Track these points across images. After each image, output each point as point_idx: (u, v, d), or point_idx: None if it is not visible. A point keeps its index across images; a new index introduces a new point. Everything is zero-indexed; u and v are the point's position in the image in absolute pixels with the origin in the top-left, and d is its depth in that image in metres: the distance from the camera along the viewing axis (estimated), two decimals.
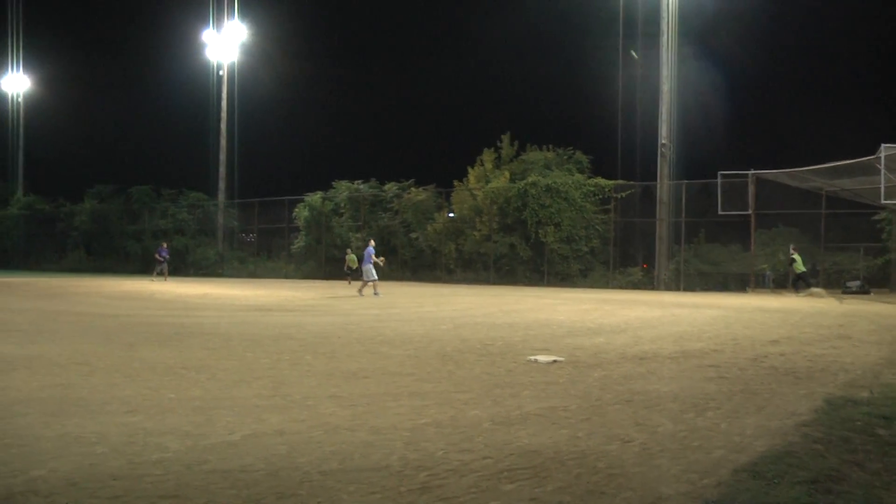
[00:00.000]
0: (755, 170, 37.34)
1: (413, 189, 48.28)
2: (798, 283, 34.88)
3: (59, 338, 13.92)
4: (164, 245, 43.10)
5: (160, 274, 41.15)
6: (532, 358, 11.56)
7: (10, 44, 68.06)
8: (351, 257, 39.10)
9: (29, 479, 5.58)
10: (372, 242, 29.51)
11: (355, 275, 35.88)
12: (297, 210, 50.93)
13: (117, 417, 7.48)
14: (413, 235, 47.15)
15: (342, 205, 49.73)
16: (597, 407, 8.15)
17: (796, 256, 35.23)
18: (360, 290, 28.45)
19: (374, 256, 27.97)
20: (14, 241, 65.58)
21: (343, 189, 49.93)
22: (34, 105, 71.57)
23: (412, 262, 47.26)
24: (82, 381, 9.41)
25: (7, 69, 69.45)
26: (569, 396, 8.68)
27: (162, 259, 41.29)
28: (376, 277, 28.06)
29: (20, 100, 70.06)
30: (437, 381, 9.74)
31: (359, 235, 46.79)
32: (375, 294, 27.64)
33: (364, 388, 9.12)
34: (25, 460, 6.05)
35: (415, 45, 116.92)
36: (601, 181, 42.93)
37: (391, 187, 49.03)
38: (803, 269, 35.13)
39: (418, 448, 6.45)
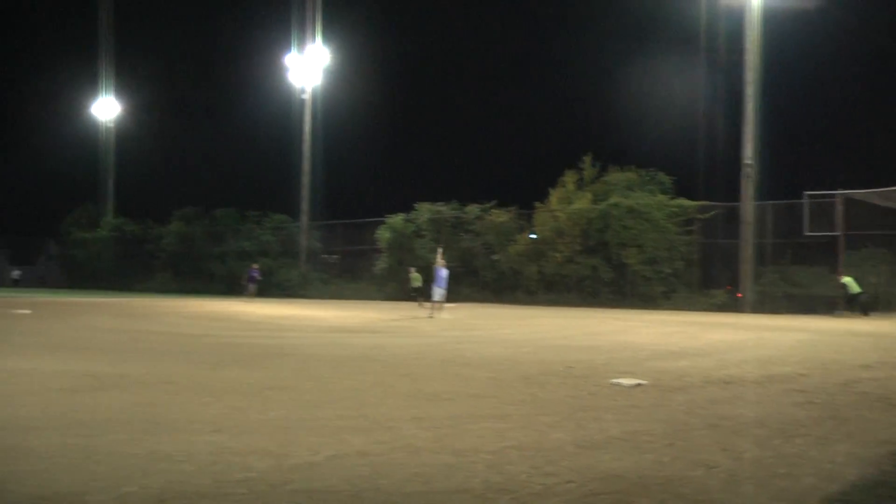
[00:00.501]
0: (843, 189, 36.43)
1: (494, 211, 48.23)
2: (852, 305, 34.58)
3: (147, 357, 14.20)
4: (256, 266, 43.54)
5: (250, 294, 41.58)
6: (615, 381, 11.41)
7: (101, 70, 70.10)
8: (415, 276, 39.19)
9: (120, 496, 5.68)
10: (442, 262, 28.65)
11: (422, 295, 35.71)
12: (379, 232, 51.27)
13: (203, 436, 7.58)
14: (494, 257, 47.06)
15: (424, 226, 49.93)
16: (681, 431, 8.00)
17: (846, 279, 35.14)
18: (429, 312, 28.23)
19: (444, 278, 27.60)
20: (105, 263, 67.27)
21: (424, 211, 50.13)
22: (124, 130, 73.55)
23: (493, 283, 47.16)
24: (169, 400, 9.58)
25: (99, 95, 71.44)
26: (653, 421, 8.55)
27: (252, 280, 41.65)
28: (440, 299, 27.74)
29: (111, 125, 72.00)
30: (519, 403, 9.67)
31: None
32: (430, 317, 27.41)
33: (446, 411, 9.10)
34: (117, 477, 6.16)
35: (496, 67, 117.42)
36: (684, 202, 42.38)
37: (472, 209, 49.04)
38: (858, 290, 34.77)
39: (501, 471, 6.40)
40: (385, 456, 6.88)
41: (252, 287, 41.53)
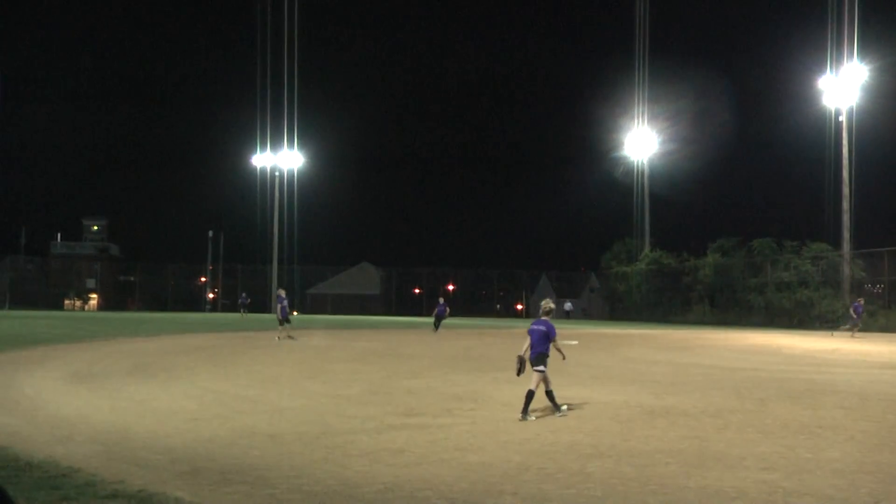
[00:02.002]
0: None
1: None
2: None
3: (693, 390, 14.43)
4: (861, 301, 41.73)
5: (850, 329, 39.81)
6: None
7: (637, 106, 72.90)
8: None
9: None
10: None
11: None
12: None
13: (754, 474, 7.55)
14: None
15: None
16: None
17: None
18: None
19: None
20: (643, 295, 69.48)
21: None
22: (657, 165, 75.48)
23: None
24: (717, 435, 9.66)
25: (633, 129, 74.23)
26: None
27: (856, 316, 39.93)
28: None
29: (644, 161, 74.37)
30: None
31: None
32: None
33: None
34: None
35: None
36: None
37: None
38: None
39: None
40: None
41: (853, 322, 39.55)
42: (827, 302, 52.96)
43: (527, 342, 11.25)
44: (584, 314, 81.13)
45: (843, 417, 11.06)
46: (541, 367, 11.03)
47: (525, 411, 10.91)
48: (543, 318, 11.45)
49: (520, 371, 11.20)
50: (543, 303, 11.84)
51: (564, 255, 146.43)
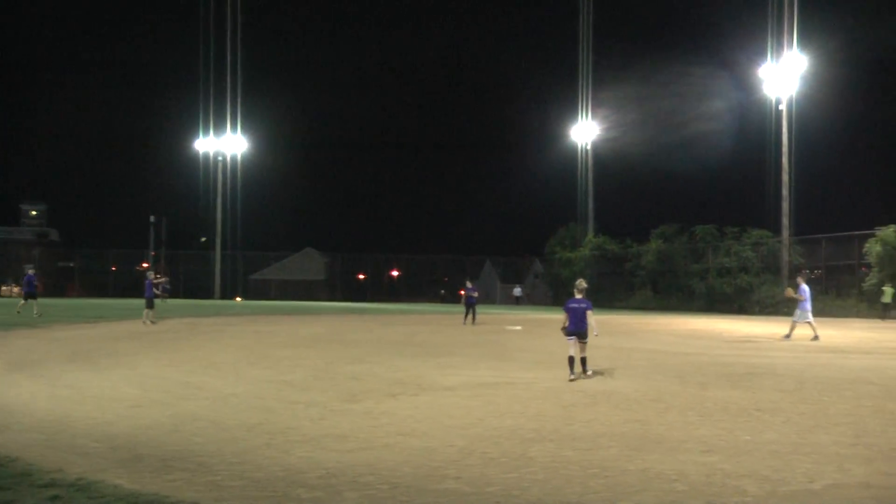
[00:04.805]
0: None
1: None
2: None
3: (634, 374, 14.58)
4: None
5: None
6: None
7: (580, 94, 73.40)
8: (889, 291, 39.94)
9: None
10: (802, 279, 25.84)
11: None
12: (867, 245, 47.85)
13: (694, 456, 7.65)
14: None
15: None
16: None
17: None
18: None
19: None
20: (587, 281, 69.76)
21: None
22: (602, 151, 76.08)
23: None
24: (659, 419, 9.77)
25: (578, 118, 74.76)
26: None
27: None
28: (809, 319, 24.29)
29: (589, 147, 74.84)
30: None
31: None
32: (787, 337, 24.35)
33: None
34: (613, 491, 6.44)
35: None
36: None
37: None
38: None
39: None
40: (891, 490, 6.49)
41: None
42: (766, 287, 53.83)
43: (565, 316, 13.55)
44: (529, 300, 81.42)
45: (780, 400, 11.26)
46: (586, 339, 13.41)
47: (574, 370, 13.31)
48: (579, 296, 13.76)
49: (569, 335, 13.41)
50: (579, 282, 14.26)
51: (509, 240, 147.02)
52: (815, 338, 23.77)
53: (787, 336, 24.12)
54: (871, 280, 46.94)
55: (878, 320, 40.31)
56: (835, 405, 10.80)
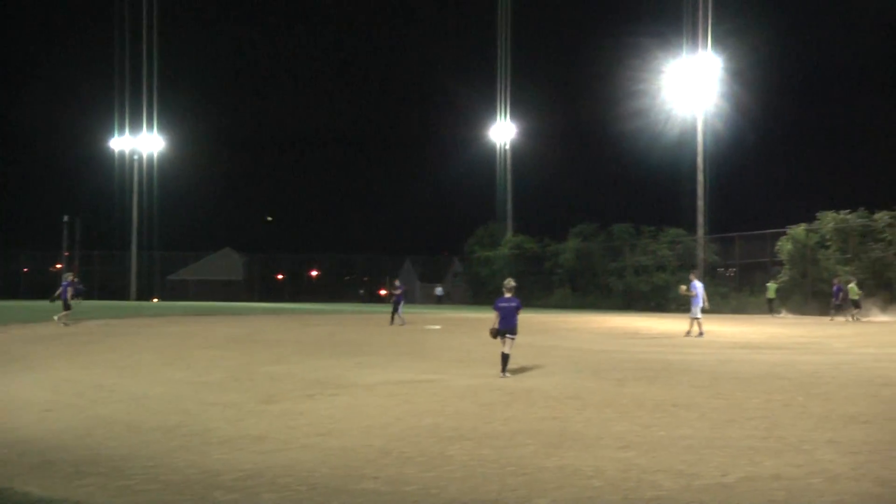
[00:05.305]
0: None
1: None
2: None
3: (552, 372, 14.68)
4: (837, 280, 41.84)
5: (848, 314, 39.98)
6: None
7: (498, 95, 73.77)
8: (772, 287, 43.61)
9: None
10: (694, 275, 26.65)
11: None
12: (779, 243, 49.03)
13: (611, 452, 7.71)
14: None
15: (828, 237, 46.97)
16: None
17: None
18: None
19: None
20: (505, 279, 70.07)
21: (829, 220, 47.09)
22: (521, 151, 76.69)
23: None
24: (576, 415, 9.84)
25: (496, 118, 75.18)
26: None
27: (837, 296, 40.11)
28: (698, 316, 24.85)
29: (508, 147, 75.36)
30: None
31: (847, 269, 43.89)
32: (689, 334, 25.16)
33: (865, 435, 8.53)
34: (530, 488, 6.45)
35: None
36: None
37: (882, 216, 45.25)
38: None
39: None
40: (800, 481, 6.60)
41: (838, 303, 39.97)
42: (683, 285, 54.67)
43: (495, 315, 13.59)
44: (448, 299, 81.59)
45: (695, 395, 11.44)
46: (513, 336, 13.55)
47: (504, 370, 13.51)
48: (508, 294, 13.80)
49: (495, 336, 13.55)
50: (507, 281, 14.21)
51: (428, 240, 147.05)
52: (700, 334, 24.37)
53: (700, 334, 24.46)
54: (782, 277, 48.12)
55: (768, 316, 42.30)
56: (748, 400, 11.01)
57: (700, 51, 54.54)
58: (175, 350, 19.01)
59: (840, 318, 37.01)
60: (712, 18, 54.09)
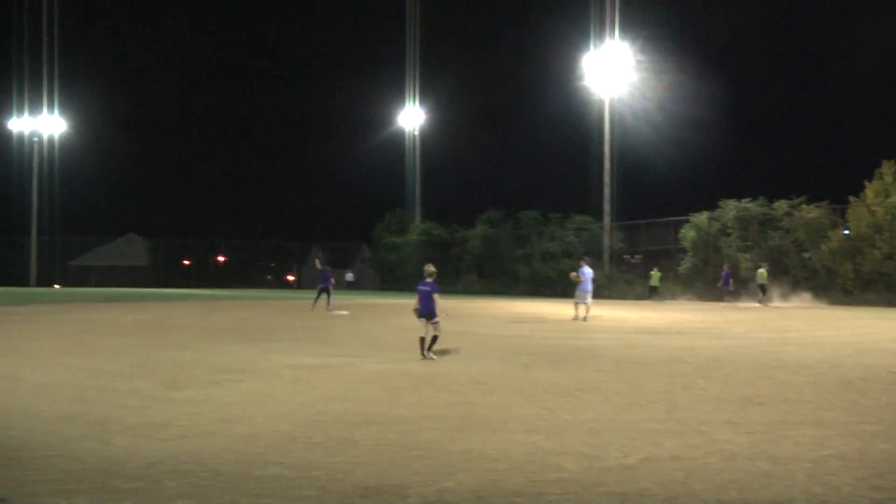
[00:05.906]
0: None
1: (805, 206, 45.57)
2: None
3: (459, 357, 14.77)
4: (726, 267, 42.35)
5: (732, 297, 40.47)
6: None
7: (407, 81, 73.67)
8: (656, 275, 44.95)
9: (440, 490, 6.01)
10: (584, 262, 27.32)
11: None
12: (683, 231, 50.15)
13: (517, 436, 7.81)
14: (806, 255, 44.55)
15: (730, 224, 48.23)
16: None
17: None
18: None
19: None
20: (413, 266, 70.30)
21: (730, 208, 48.35)
22: (429, 137, 76.82)
23: (805, 282, 44.66)
24: (482, 400, 9.94)
25: (405, 104, 75.06)
26: None
27: (726, 282, 40.60)
28: (587, 301, 25.65)
29: (416, 133, 75.37)
30: (839, 410, 9.20)
31: (748, 256, 45.20)
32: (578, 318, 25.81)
33: (761, 416, 8.82)
34: (436, 472, 6.50)
35: (805, 53, 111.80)
36: None
37: (781, 205, 46.65)
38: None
39: (822, 482, 6.13)
40: (699, 461, 6.79)
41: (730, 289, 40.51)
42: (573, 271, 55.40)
43: (416, 298, 14.34)
44: (357, 285, 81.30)
45: (599, 380, 11.65)
46: (435, 319, 14.08)
47: (424, 350, 14.05)
48: (428, 279, 14.41)
49: (420, 317, 14.21)
50: (427, 266, 14.81)
51: (336, 226, 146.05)
52: (585, 319, 25.12)
53: (584, 318, 25.02)
54: (685, 264, 49.29)
55: (650, 301, 43.57)
56: (650, 384, 11.26)
57: (608, 39, 55.24)
58: (77, 337, 18.55)
59: (767, 305, 38.18)
60: (620, 6, 54.87)
